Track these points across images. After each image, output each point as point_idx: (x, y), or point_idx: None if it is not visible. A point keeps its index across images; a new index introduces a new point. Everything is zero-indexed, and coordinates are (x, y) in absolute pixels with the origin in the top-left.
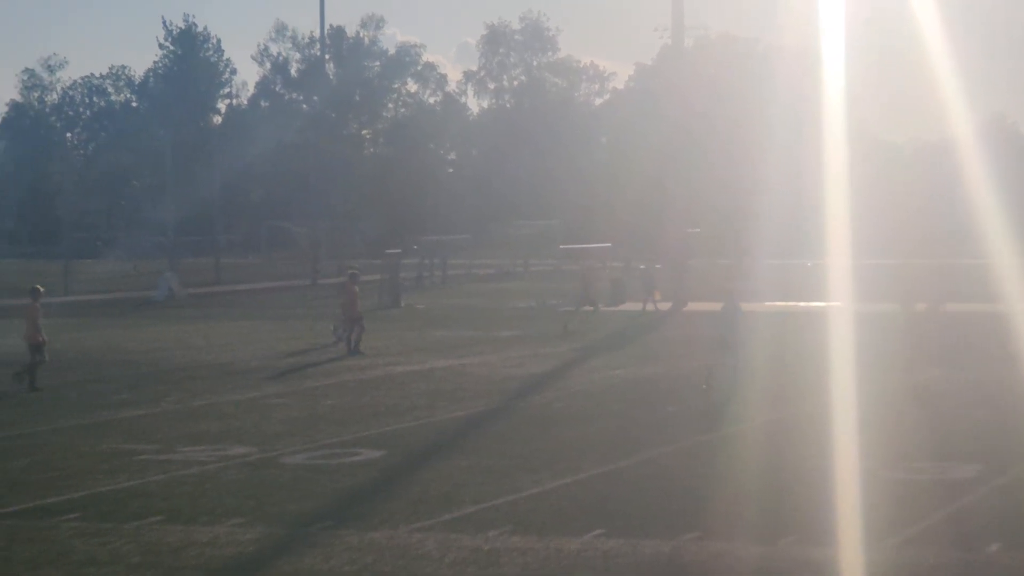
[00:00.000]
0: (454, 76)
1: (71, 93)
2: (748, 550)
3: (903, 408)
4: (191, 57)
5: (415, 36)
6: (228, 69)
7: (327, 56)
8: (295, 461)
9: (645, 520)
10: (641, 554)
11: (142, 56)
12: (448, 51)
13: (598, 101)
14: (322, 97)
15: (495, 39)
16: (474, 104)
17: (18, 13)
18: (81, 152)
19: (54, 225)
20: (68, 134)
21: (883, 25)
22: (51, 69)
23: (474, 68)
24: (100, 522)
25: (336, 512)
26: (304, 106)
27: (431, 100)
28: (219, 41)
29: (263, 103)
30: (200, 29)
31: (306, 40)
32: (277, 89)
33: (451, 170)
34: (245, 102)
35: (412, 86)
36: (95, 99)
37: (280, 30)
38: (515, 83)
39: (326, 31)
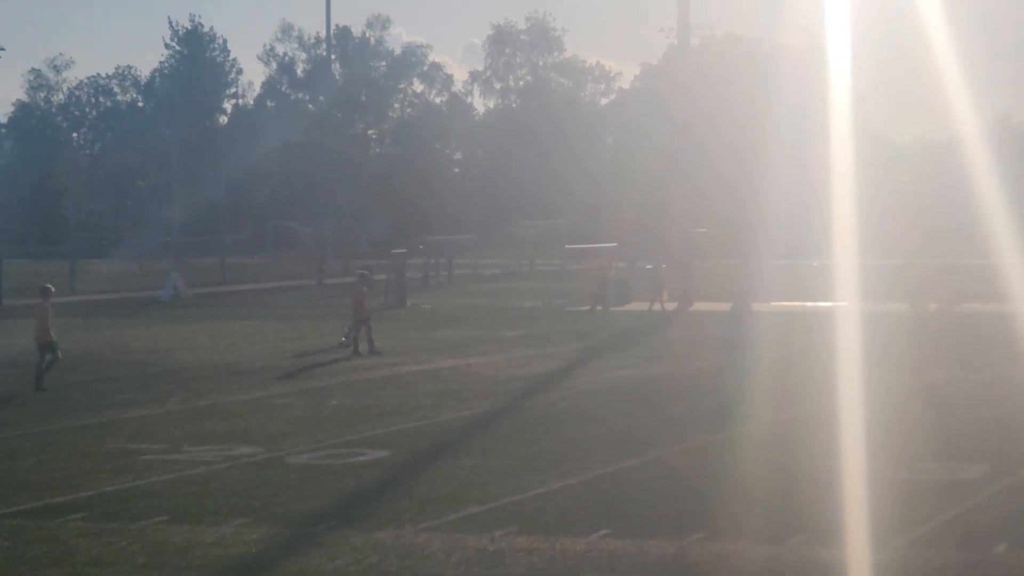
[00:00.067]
0: (460, 76)
1: (77, 93)
2: (754, 550)
3: (910, 408)
4: (197, 57)
5: (421, 36)
6: (234, 69)
7: (333, 56)
8: (301, 461)
9: (651, 520)
10: (647, 554)
11: (148, 56)
12: (454, 51)
13: (604, 101)
14: (328, 97)
15: (501, 39)
16: (480, 104)
17: (24, 13)
18: (87, 152)
19: (60, 225)
20: (74, 134)
21: (889, 25)
22: (57, 69)
23: (480, 68)
24: (105, 522)
25: (341, 512)
26: (310, 106)
27: (437, 100)
28: (225, 41)
29: (269, 103)
30: (206, 29)
31: (312, 40)
32: (283, 89)
33: (457, 170)
34: (251, 102)
35: (418, 86)
36: (101, 99)
37: (286, 30)
38: (521, 83)
39: (332, 31)
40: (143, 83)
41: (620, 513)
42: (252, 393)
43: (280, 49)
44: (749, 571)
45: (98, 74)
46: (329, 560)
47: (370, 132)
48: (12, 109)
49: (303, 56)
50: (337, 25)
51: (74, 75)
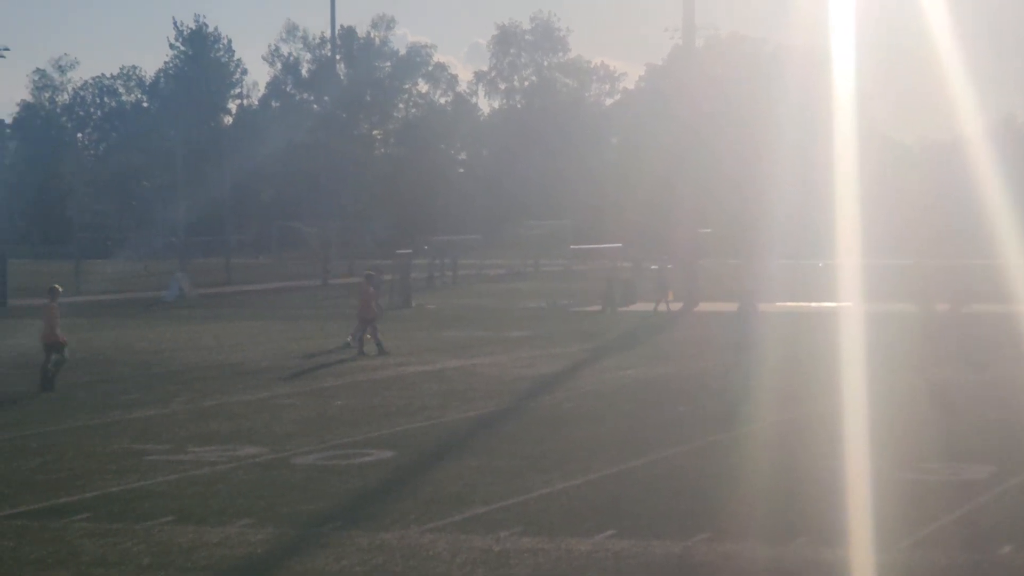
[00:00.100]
0: (465, 76)
1: (82, 93)
2: (759, 551)
3: (916, 408)
4: (202, 57)
5: (426, 36)
6: (239, 69)
7: (338, 56)
8: (306, 461)
9: (656, 521)
10: (652, 555)
11: (153, 56)
12: (459, 51)
13: (609, 101)
14: (333, 97)
15: (506, 39)
16: (485, 104)
17: (29, 13)
18: (92, 152)
19: (64, 225)
20: (79, 134)
21: (893, 25)
22: (62, 69)
23: (485, 68)
24: (110, 522)
25: (347, 513)
26: (315, 106)
27: (442, 100)
28: (230, 41)
29: (274, 103)
30: (211, 29)
31: (317, 40)
32: (288, 89)
33: (462, 170)
34: (256, 102)
35: (423, 86)
36: (106, 99)
37: (291, 30)
38: (526, 83)
39: (337, 31)
40: (148, 83)
41: (625, 513)
42: (257, 393)
43: (285, 49)
44: (754, 571)
45: (103, 74)
46: (335, 560)
47: (375, 132)
48: (17, 109)
49: (308, 56)
50: (342, 25)
51: (79, 75)
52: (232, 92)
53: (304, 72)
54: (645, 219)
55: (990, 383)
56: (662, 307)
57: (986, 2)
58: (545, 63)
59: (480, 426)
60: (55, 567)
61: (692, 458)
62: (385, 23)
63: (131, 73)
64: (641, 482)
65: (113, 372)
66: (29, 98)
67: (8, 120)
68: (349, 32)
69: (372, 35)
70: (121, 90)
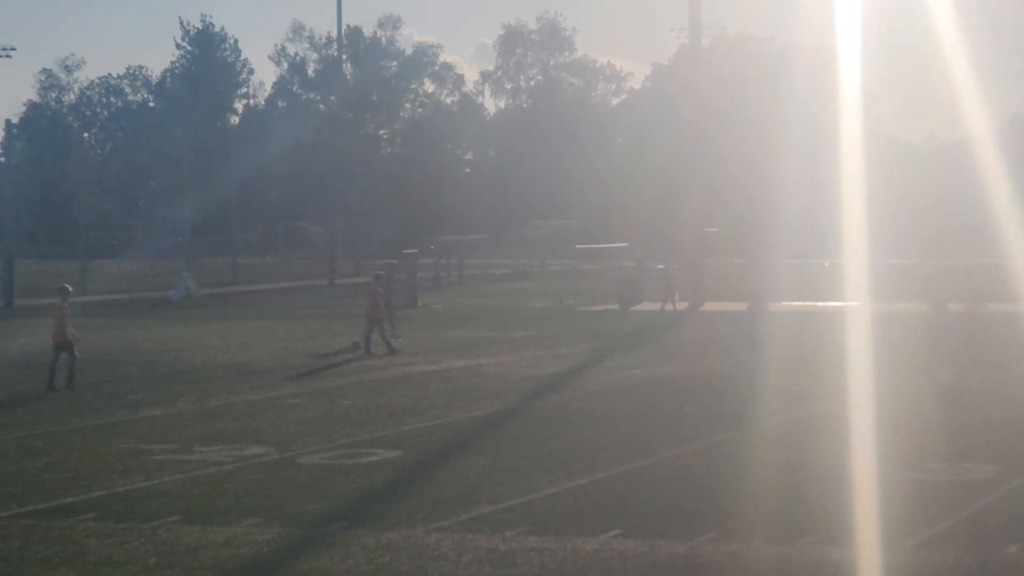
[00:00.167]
0: (471, 76)
1: (88, 93)
2: (765, 551)
3: (922, 408)
4: (208, 57)
5: (432, 36)
6: (245, 69)
7: (344, 56)
8: (312, 461)
9: (662, 520)
10: (658, 555)
11: (159, 56)
12: (465, 51)
13: (615, 101)
14: (339, 97)
15: (512, 39)
16: (491, 104)
17: (35, 13)
18: (98, 152)
19: (71, 225)
20: (85, 134)
21: (900, 24)
22: (68, 69)
23: (491, 68)
24: (116, 522)
25: (353, 512)
26: (321, 106)
27: (448, 100)
28: (236, 41)
29: (280, 103)
30: (217, 29)
31: (323, 40)
32: (294, 89)
33: (468, 170)
34: (262, 102)
35: (429, 86)
36: (112, 99)
37: (297, 30)
38: (532, 83)
39: (343, 31)
40: (154, 83)
41: (631, 513)
42: (263, 393)
43: (291, 49)
44: (760, 571)
45: (109, 74)
46: (341, 560)
47: (381, 132)
48: (23, 109)
49: (314, 56)
50: (348, 25)
51: (85, 75)
52: (238, 92)
53: (310, 72)
54: (651, 219)
55: (999, 382)
56: (668, 307)
57: (993, 2)
58: (551, 63)
59: (486, 426)
60: (61, 566)
61: (698, 458)
62: (391, 23)
63: (137, 73)
64: (647, 482)
65: (119, 372)
66: (35, 98)
67: (15, 120)
68: (355, 32)
69: (378, 35)
70: (127, 90)
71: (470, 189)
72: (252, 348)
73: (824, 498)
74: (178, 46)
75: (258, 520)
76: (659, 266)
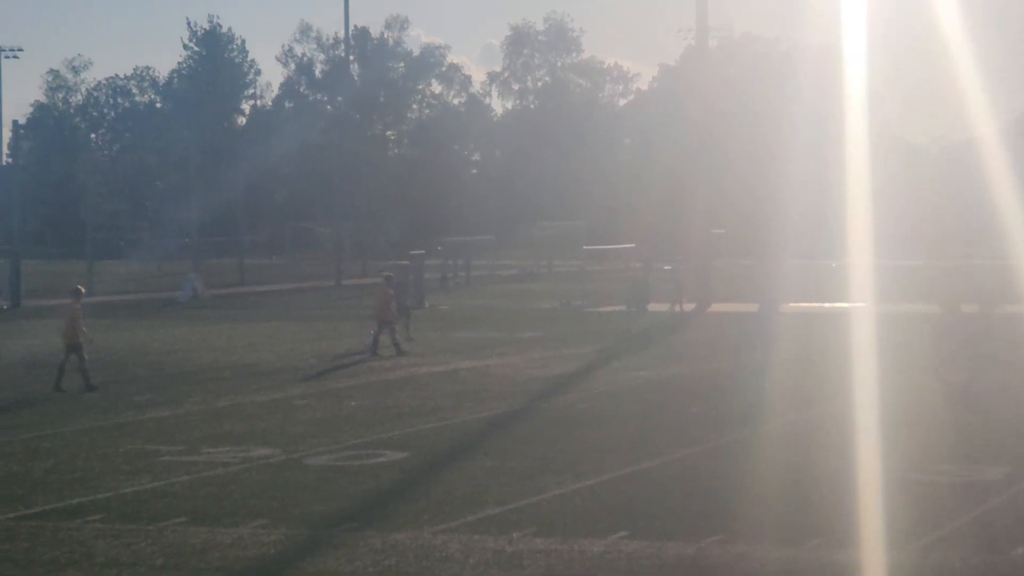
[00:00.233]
0: (478, 77)
1: (95, 94)
2: (773, 552)
3: (929, 409)
4: (215, 58)
5: (439, 37)
6: (252, 70)
7: (351, 57)
8: (319, 462)
9: (669, 522)
10: (665, 556)
11: (166, 57)
12: (472, 52)
13: (622, 102)
14: (346, 98)
15: (519, 40)
16: (498, 105)
17: (42, 14)
18: (105, 153)
19: (78, 226)
20: (92, 135)
21: (906, 25)
22: (76, 70)
23: (498, 69)
24: (123, 523)
25: (360, 513)
26: (328, 107)
27: (455, 101)
28: (243, 42)
29: (287, 104)
30: (224, 30)
31: (330, 41)
32: (301, 90)
33: (475, 171)
34: (269, 103)
35: (436, 87)
36: (119, 100)
37: (304, 31)
38: (539, 84)
39: (350, 32)
40: (161, 84)
41: (638, 515)
42: (270, 394)
43: (298, 50)
44: (767, 573)
45: (116, 75)
46: (348, 562)
47: (388, 133)
48: (30, 110)
49: (321, 57)
50: (355, 26)
51: (92, 76)
52: (246, 93)
53: (318, 73)
54: (658, 220)
55: (1010, 383)
56: (677, 308)
57: (1000, 2)
58: (558, 64)
59: (493, 427)
60: (68, 567)
61: (705, 459)
62: (399, 24)
63: (144, 74)
64: (654, 483)
65: (126, 373)
66: (43, 99)
67: (22, 121)
68: (363, 32)
69: (386, 36)
70: (135, 91)
71: (477, 190)
72: (259, 349)
73: (831, 500)
74: (185, 47)
75: (265, 521)
76: (666, 267)
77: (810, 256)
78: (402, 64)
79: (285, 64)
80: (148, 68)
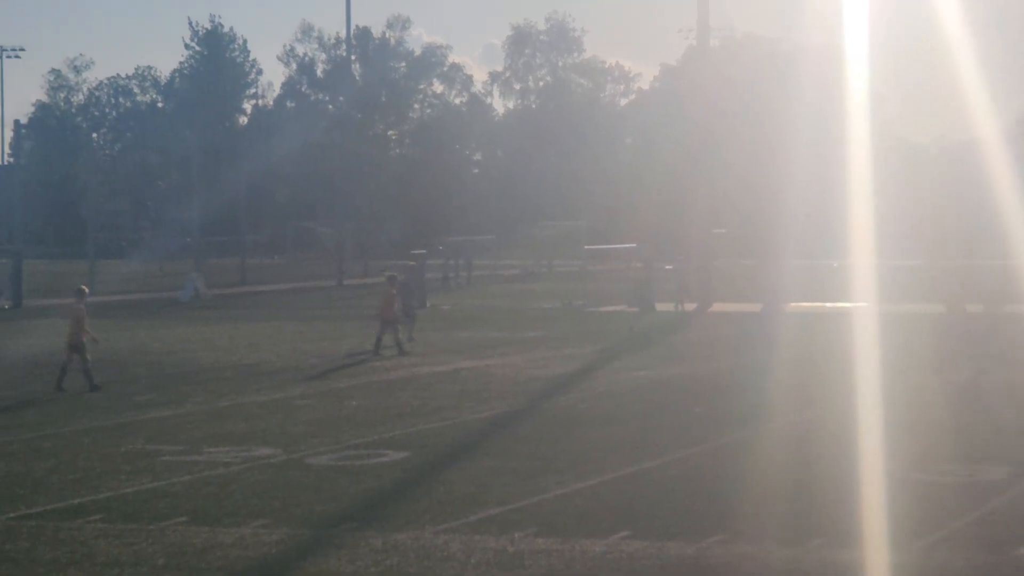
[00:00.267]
0: (480, 77)
1: (97, 94)
2: (775, 552)
3: (932, 409)
4: (217, 58)
5: (441, 37)
6: (254, 70)
7: (353, 57)
8: (320, 462)
9: (671, 522)
10: (667, 556)
11: (168, 57)
12: (474, 52)
13: (623, 102)
14: (348, 98)
15: (520, 40)
16: (499, 105)
17: (44, 14)
18: (107, 153)
19: (80, 226)
20: (94, 135)
21: (909, 25)
22: (77, 70)
23: (499, 69)
24: (124, 523)
25: (361, 513)
26: (330, 107)
27: (457, 101)
28: (245, 41)
29: (289, 104)
30: (226, 30)
31: (332, 41)
32: (303, 90)
33: (476, 171)
34: (271, 103)
35: (438, 87)
36: (121, 100)
37: (306, 31)
38: (540, 84)
39: (352, 32)
40: (163, 84)
41: (640, 515)
42: (272, 394)
43: (300, 50)
44: (769, 573)
45: (118, 75)
46: (348, 562)
47: (390, 133)
48: (32, 110)
49: (323, 56)
50: (357, 26)
51: (94, 76)
52: (247, 92)
53: (319, 72)
54: (659, 219)
55: (1014, 383)
56: (681, 307)
57: (1003, 2)
58: (560, 64)
59: (494, 427)
60: (69, 567)
61: (707, 459)
62: (400, 23)
63: (146, 73)
64: (656, 483)
65: (127, 373)
66: (44, 98)
67: (23, 120)
68: (364, 32)
69: (387, 35)
70: (136, 90)
71: (478, 190)
72: (261, 349)
73: (833, 499)
74: (187, 46)
75: (266, 521)
76: (667, 267)
77: (811, 256)
78: (403, 64)
79: (287, 64)
80: (150, 68)
